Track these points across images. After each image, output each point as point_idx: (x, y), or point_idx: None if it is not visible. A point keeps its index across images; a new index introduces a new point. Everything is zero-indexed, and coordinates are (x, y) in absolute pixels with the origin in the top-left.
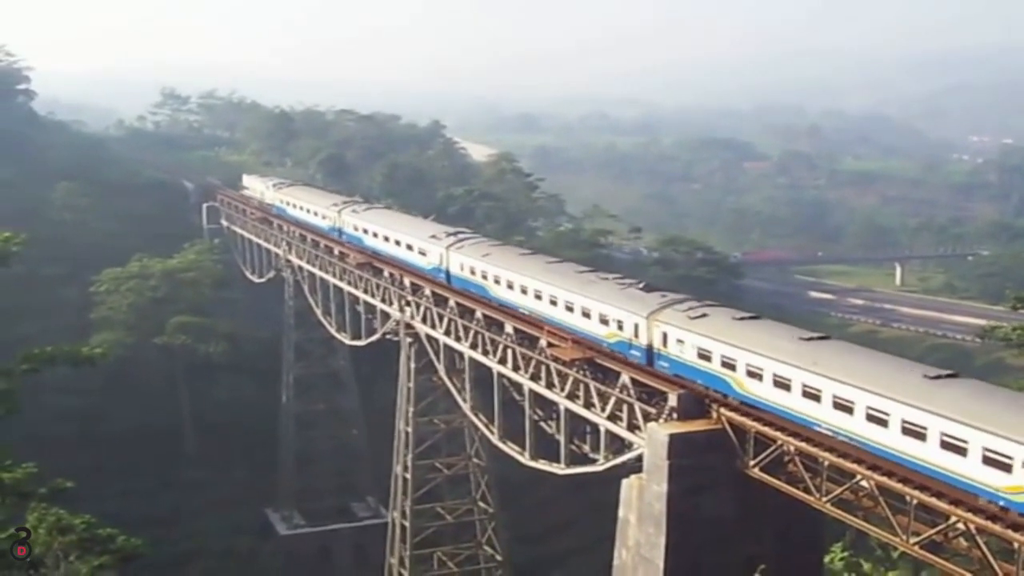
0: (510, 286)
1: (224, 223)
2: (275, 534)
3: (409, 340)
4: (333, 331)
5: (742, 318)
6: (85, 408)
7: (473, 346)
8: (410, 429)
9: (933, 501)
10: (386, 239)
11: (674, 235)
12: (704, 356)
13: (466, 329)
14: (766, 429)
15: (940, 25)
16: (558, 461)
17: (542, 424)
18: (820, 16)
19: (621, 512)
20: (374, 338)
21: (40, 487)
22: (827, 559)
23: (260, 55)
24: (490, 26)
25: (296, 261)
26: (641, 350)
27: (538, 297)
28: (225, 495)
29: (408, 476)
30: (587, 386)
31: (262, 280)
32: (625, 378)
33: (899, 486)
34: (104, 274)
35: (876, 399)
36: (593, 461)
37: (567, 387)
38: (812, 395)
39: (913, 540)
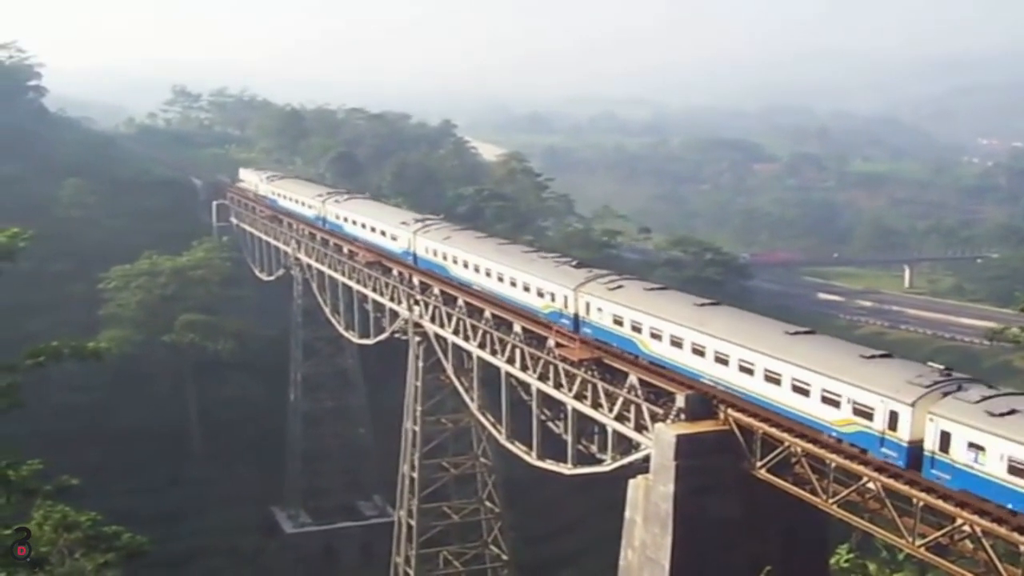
0: (466, 265)
1: (234, 221)
2: (281, 532)
3: (417, 339)
4: (341, 329)
5: (650, 289)
6: (92, 405)
7: (481, 345)
8: (417, 428)
9: (940, 504)
10: (363, 226)
11: (683, 236)
12: (618, 322)
13: (474, 328)
14: (773, 430)
15: (950, 27)
16: (565, 461)
17: (549, 424)
18: (829, 17)
19: (627, 512)
20: (382, 337)
21: (46, 484)
22: (833, 560)
23: (271, 53)
24: (501, 25)
25: (305, 259)
26: (569, 318)
27: (488, 275)
28: (231, 493)
29: (415, 475)
30: (595, 386)
31: (271, 278)
32: (633, 379)
33: (905, 488)
34: (113, 271)
35: (745, 352)
36: (600, 461)
37: (575, 387)
38: (699, 351)
39: (919, 542)
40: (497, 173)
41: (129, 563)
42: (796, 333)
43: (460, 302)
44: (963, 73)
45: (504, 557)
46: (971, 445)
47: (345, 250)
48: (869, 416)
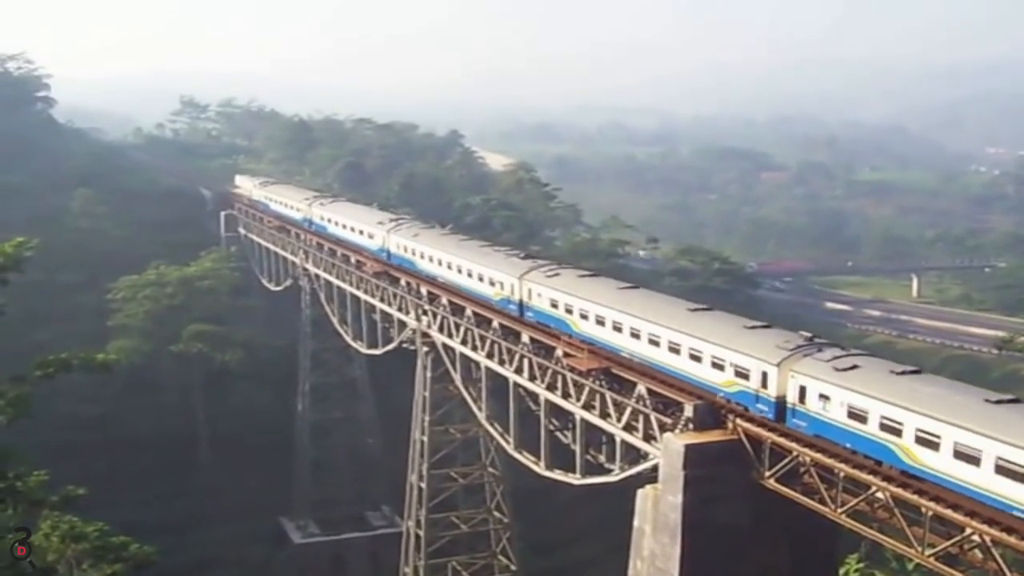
0: (430, 259)
1: (242, 231)
2: (289, 543)
3: (425, 349)
4: (349, 340)
5: (582, 275)
6: (101, 415)
7: (489, 355)
8: (426, 438)
9: (949, 513)
10: (343, 227)
11: (691, 245)
12: (554, 305)
13: (482, 339)
14: (782, 440)
15: (958, 36)
16: (574, 471)
17: (558, 434)
18: (838, 27)
19: (636, 522)
20: (390, 347)
21: (53, 494)
22: (842, 570)
23: (279, 64)
24: (509, 35)
25: (313, 270)
26: (516, 304)
27: (449, 267)
28: (240, 503)
29: (423, 485)
30: (603, 396)
31: (279, 288)
32: (641, 388)
33: (915, 498)
34: (121, 281)
35: (653, 327)
36: (608, 471)
37: (583, 397)
38: (617, 328)
39: (928, 552)
40: (505, 183)
41: (137, 574)
42: (695, 310)
43: (468, 312)
44: (971, 82)
45: (513, 567)
46: (821, 396)
47: (353, 260)
48: (746, 377)
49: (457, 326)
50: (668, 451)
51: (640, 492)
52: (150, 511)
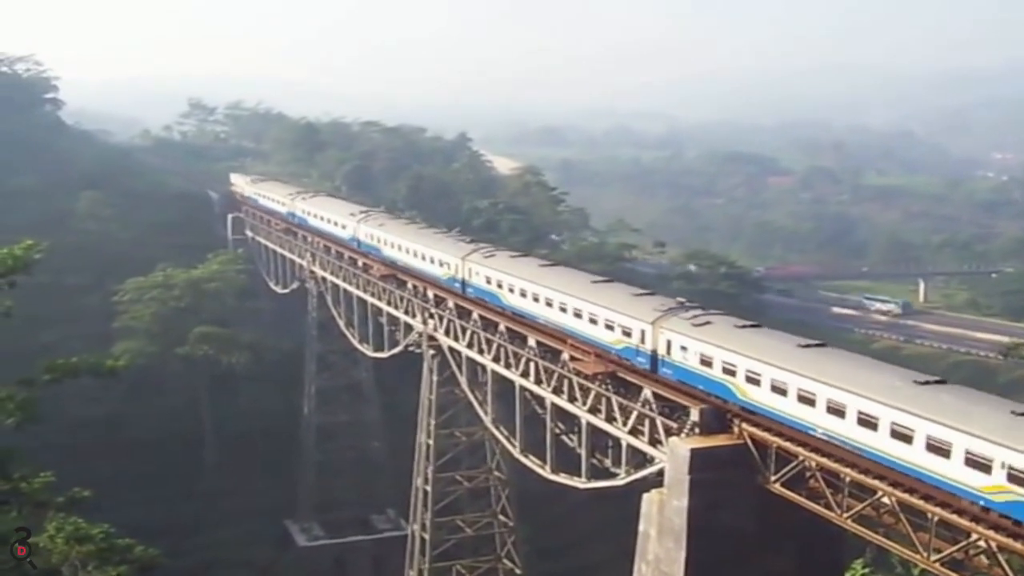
0: (391, 246)
1: (249, 234)
2: (294, 545)
3: (432, 352)
4: (356, 342)
5: (513, 256)
6: (106, 417)
7: (495, 359)
8: (431, 441)
9: (954, 518)
10: (322, 219)
11: (697, 249)
12: (488, 282)
13: (488, 342)
14: (787, 444)
15: (964, 42)
16: (579, 475)
17: (563, 438)
18: (845, 31)
19: (641, 526)
20: (397, 350)
21: (58, 496)
22: (848, 575)
23: (287, 67)
24: (515, 39)
25: (320, 272)
26: (459, 282)
27: (407, 252)
28: (245, 506)
29: (428, 488)
30: (609, 400)
31: (286, 291)
32: (647, 392)
33: (920, 503)
34: (127, 283)
35: (564, 297)
36: (614, 475)
37: (589, 401)
38: (535, 298)
39: (934, 557)
40: (512, 186)
41: None
42: (596, 282)
43: (475, 315)
44: (978, 87)
45: (518, 571)
46: (681, 348)
47: (360, 263)
48: (630, 335)
49: (463, 330)
50: (674, 455)
51: (645, 496)
52: (155, 513)
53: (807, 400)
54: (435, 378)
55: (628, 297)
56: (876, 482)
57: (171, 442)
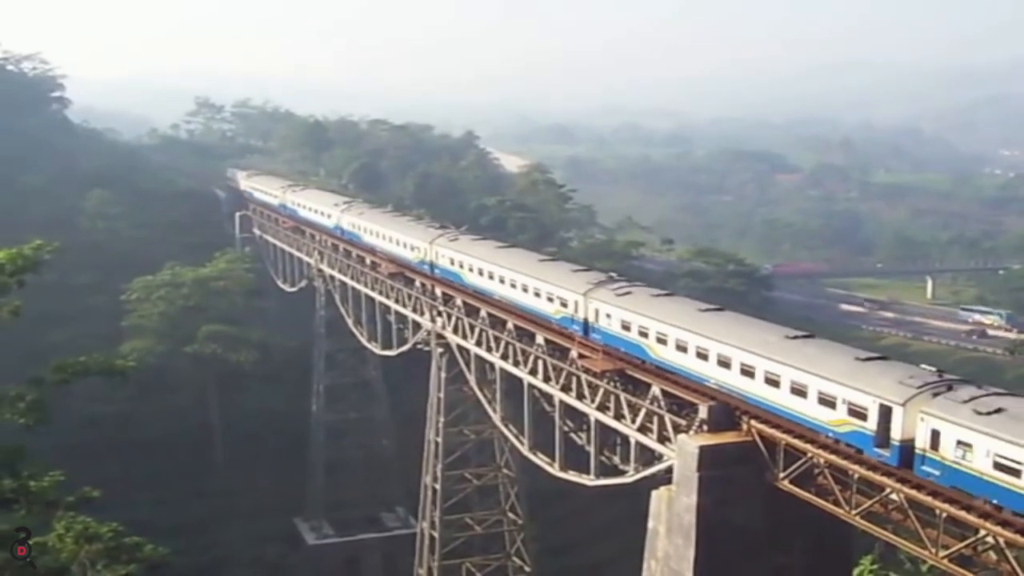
0: (369, 232)
1: (256, 232)
2: (303, 544)
3: (440, 350)
4: (364, 341)
5: (474, 239)
6: (115, 416)
7: (504, 357)
8: (440, 439)
9: (963, 514)
10: (308, 209)
11: (706, 247)
12: (451, 262)
13: (497, 340)
14: (796, 441)
15: (971, 39)
16: (588, 472)
17: (572, 435)
18: (853, 29)
19: (650, 524)
20: (405, 348)
21: (67, 495)
22: (856, 572)
23: (294, 65)
24: (523, 37)
25: (328, 271)
26: (428, 264)
27: (382, 237)
28: (254, 504)
29: (438, 486)
30: (617, 397)
31: (294, 289)
32: (656, 390)
33: (929, 499)
34: (135, 282)
35: (511, 273)
36: (623, 472)
37: (597, 398)
38: (490, 276)
39: (942, 553)
40: (520, 184)
41: (151, 574)
42: (543, 260)
43: (483, 313)
44: (985, 84)
45: (527, 569)
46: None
47: (368, 261)
48: (566, 305)
49: (472, 327)
50: (682, 452)
51: (654, 493)
52: (164, 512)
53: (702, 356)
54: (444, 376)
55: (566, 273)
56: (884, 479)
57: (180, 441)
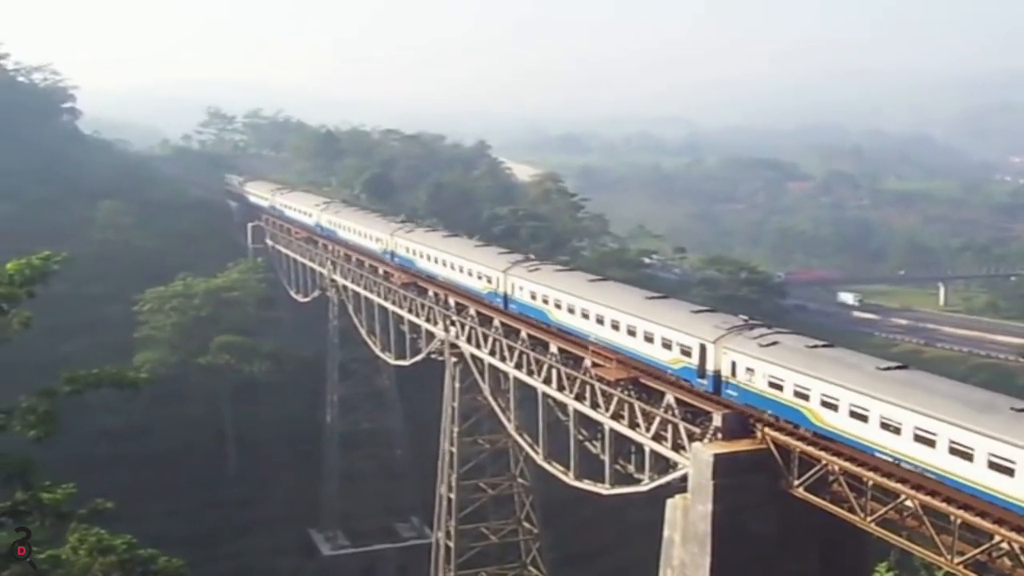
0: (344, 228)
1: (269, 242)
2: (319, 554)
3: (454, 360)
4: (377, 350)
5: (427, 231)
6: (129, 427)
7: (518, 366)
8: (455, 449)
9: (978, 521)
10: (292, 209)
11: (718, 255)
12: (408, 251)
13: (511, 349)
14: (810, 449)
15: (981, 47)
16: (603, 481)
17: (587, 444)
18: (863, 38)
19: (666, 532)
20: (419, 358)
21: (80, 507)
22: None
23: (305, 76)
24: (533, 47)
25: (341, 280)
26: (389, 253)
27: (356, 233)
28: (268, 515)
29: (452, 496)
30: (632, 406)
31: (307, 299)
32: (670, 398)
33: (943, 506)
34: (148, 293)
35: (450, 256)
36: (638, 481)
37: (612, 407)
38: (439, 262)
39: (958, 560)
40: (532, 193)
41: None
42: (477, 247)
43: (496, 323)
44: (995, 92)
45: None
46: (519, 288)
47: (380, 271)
48: (491, 280)
49: (485, 337)
50: (697, 461)
51: (669, 502)
52: (178, 523)
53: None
54: (458, 385)
55: (491, 255)
56: (899, 485)
57: (193, 452)
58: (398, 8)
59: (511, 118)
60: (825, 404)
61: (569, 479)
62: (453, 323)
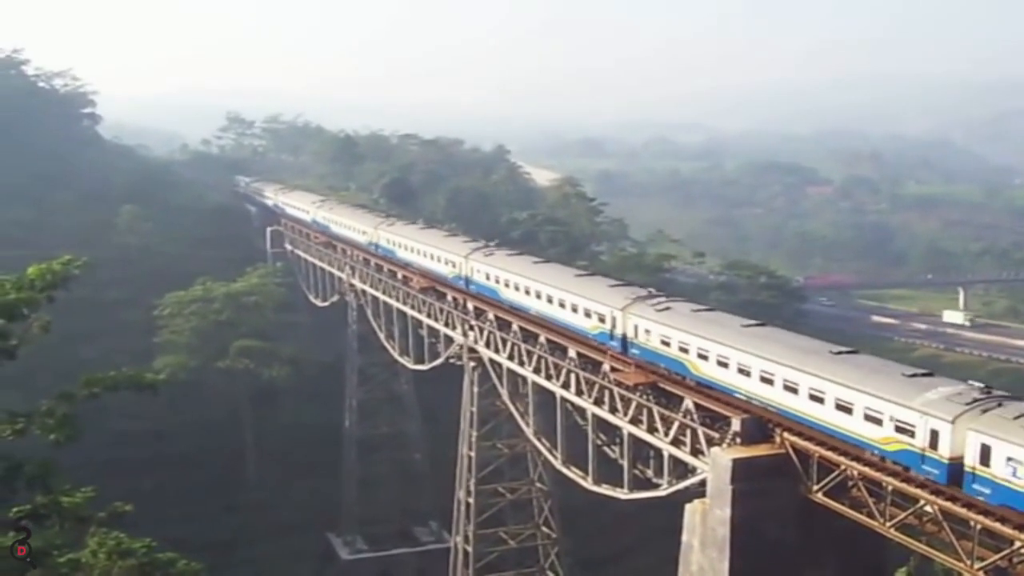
0: (338, 224)
1: (288, 247)
2: (337, 559)
3: (472, 364)
4: (396, 355)
5: (406, 224)
6: (148, 431)
7: (536, 370)
8: (473, 453)
9: (997, 526)
10: (293, 207)
11: (737, 259)
12: (388, 243)
13: (529, 354)
14: (829, 454)
15: (1001, 51)
16: (621, 486)
17: (605, 449)
18: (881, 41)
19: (684, 537)
20: (437, 362)
21: (99, 511)
22: None
23: (324, 81)
24: (553, 52)
25: (359, 285)
26: (375, 245)
27: (344, 227)
28: (287, 519)
29: (471, 501)
30: (650, 411)
31: (325, 304)
32: (688, 403)
33: (963, 511)
34: (167, 297)
35: (418, 244)
36: (656, 486)
37: (630, 412)
38: (415, 251)
39: (977, 565)
40: (551, 198)
41: None
42: (445, 236)
43: (515, 327)
44: (1015, 96)
45: None
46: (478, 272)
47: (399, 276)
48: (455, 265)
49: (504, 341)
50: (716, 465)
51: (688, 507)
52: (197, 527)
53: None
54: (476, 390)
55: (455, 243)
56: (918, 491)
57: (212, 456)
58: (416, 15)
59: (529, 123)
60: (700, 356)
61: (587, 483)
62: (471, 327)
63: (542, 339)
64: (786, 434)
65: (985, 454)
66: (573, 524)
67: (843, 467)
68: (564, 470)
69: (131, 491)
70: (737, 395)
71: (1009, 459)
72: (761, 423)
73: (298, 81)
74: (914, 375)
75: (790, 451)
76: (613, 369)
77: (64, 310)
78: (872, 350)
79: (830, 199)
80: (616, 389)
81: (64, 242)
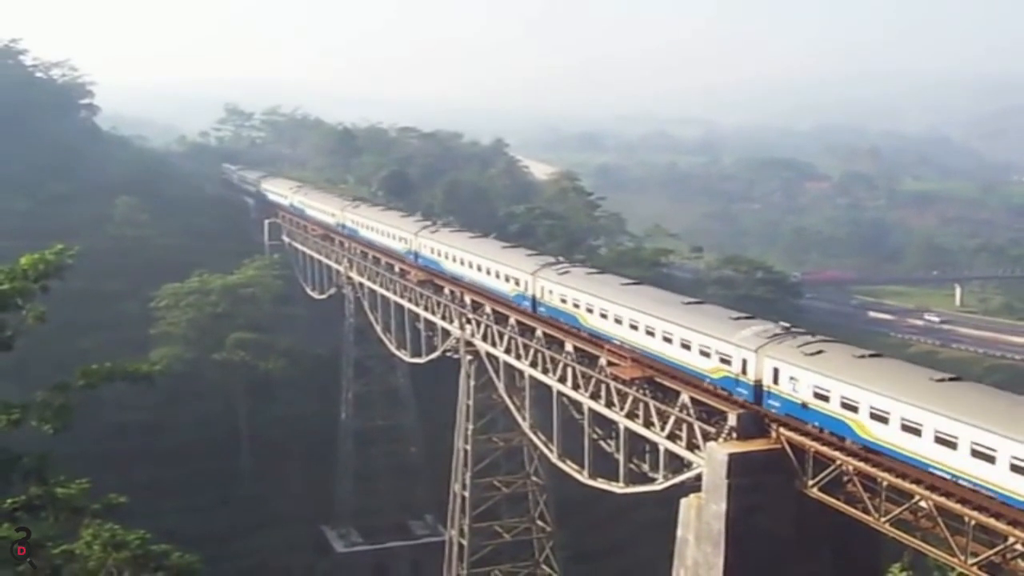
0: (311, 208)
1: (285, 239)
2: (332, 551)
3: (469, 358)
4: (393, 348)
5: (372, 206)
6: (143, 423)
7: (533, 364)
8: (469, 447)
9: (992, 522)
10: (274, 193)
11: (734, 254)
12: (352, 224)
13: (526, 347)
14: (825, 449)
15: (999, 48)
16: (617, 480)
17: (601, 443)
18: (880, 38)
19: (679, 531)
20: (434, 355)
21: (94, 503)
22: None
23: (323, 73)
24: (551, 45)
25: (357, 278)
26: (341, 226)
27: (316, 210)
28: (282, 512)
29: (466, 494)
30: (646, 405)
31: (323, 297)
32: (685, 397)
33: (958, 507)
34: (164, 289)
35: (380, 225)
36: (652, 480)
37: (626, 406)
38: (376, 231)
39: (972, 561)
40: (548, 191)
41: None
42: (400, 216)
43: (512, 321)
44: (1012, 93)
45: None
46: (424, 247)
47: (396, 269)
48: (405, 241)
49: (501, 335)
50: (712, 460)
51: (683, 501)
52: (192, 519)
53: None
54: (473, 383)
55: (419, 229)
56: (913, 486)
57: (208, 448)
58: (415, 7)
59: (528, 117)
60: (588, 310)
61: (583, 478)
62: (469, 321)
63: (539, 333)
64: (782, 429)
65: (776, 375)
66: (568, 518)
67: (838, 462)
68: (560, 464)
69: (126, 483)
70: (614, 341)
71: (791, 378)
72: (757, 418)
73: (298, 73)
74: (738, 319)
75: (786, 446)
76: (610, 363)
77: (60, 301)
78: (872, 348)
79: (828, 195)
80: (612, 383)
81: (60, 233)
